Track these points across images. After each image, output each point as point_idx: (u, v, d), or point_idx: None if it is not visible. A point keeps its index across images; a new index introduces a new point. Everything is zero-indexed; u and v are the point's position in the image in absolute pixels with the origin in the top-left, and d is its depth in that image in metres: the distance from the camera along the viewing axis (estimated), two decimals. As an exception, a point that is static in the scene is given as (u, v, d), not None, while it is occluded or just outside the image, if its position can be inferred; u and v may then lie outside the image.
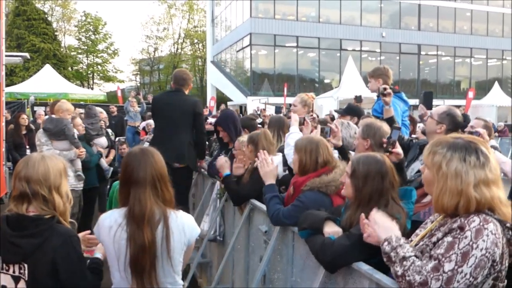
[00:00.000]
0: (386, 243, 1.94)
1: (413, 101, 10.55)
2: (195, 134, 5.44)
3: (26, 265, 2.24)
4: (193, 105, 5.37)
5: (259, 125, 6.17)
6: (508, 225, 1.80)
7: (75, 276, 2.29)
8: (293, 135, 3.98)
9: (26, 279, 2.25)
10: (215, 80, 37.45)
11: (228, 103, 32.77)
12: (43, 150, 5.54)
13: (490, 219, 1.77)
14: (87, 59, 48.84)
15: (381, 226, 2.05)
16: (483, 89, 31.34)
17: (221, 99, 35.57)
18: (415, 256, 1.83)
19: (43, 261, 2.23)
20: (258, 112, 14.87)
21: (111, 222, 2.25)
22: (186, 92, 5.55)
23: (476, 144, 1.87)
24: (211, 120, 6.79)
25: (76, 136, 5.89)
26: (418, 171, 3.24)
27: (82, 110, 8.40)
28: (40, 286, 2.25)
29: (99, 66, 49.16)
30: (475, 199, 1.79)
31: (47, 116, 6.01)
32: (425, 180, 2.00)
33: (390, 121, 3.83)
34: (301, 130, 4.04)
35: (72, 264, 2.28)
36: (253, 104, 23.92)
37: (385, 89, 3.89)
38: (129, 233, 2.19)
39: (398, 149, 2.93)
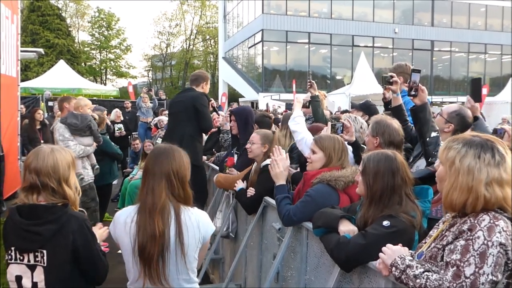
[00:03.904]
0: (393, 269, 1.93)
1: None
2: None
3: (44, 252, 2.29)
4: (192, 100, 5.35)
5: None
6: None
7: (93, 255, 2.39)
8: (298, 119, 3.96)
9: (45, 265, 2.30)
10: (227, 76, 37.44)
11: (240, 99, 32.77)
12: (70, 145, 5.45)
13: (500, 217, 1.76)
14: (100, 55, 49.12)
15: (386, 252, 2.02)
16: (497, 85, 30.90)
17: (233, 95, 35.54)
18: (427, 270, 1.81)
19: (63, 245, 2.29)
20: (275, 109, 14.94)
21: (126, 218, 2.28)
22: (199, 89, 5.55)
23: (493, 143, 1.85)
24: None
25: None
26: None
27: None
28: (59, 270, 2.31)
29: (112, 62, 49.40)
30: (484, 197, 1.77)
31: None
32: (438, 176, 1.98)
33: (399, 109, 3.80)
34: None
35: (90, 245, 2.37)
36: (264, 100, 23.85)
37: (391, 77, 3.83)
38: (138, 223, 2.22)
39: (423, 88, 3.31)
